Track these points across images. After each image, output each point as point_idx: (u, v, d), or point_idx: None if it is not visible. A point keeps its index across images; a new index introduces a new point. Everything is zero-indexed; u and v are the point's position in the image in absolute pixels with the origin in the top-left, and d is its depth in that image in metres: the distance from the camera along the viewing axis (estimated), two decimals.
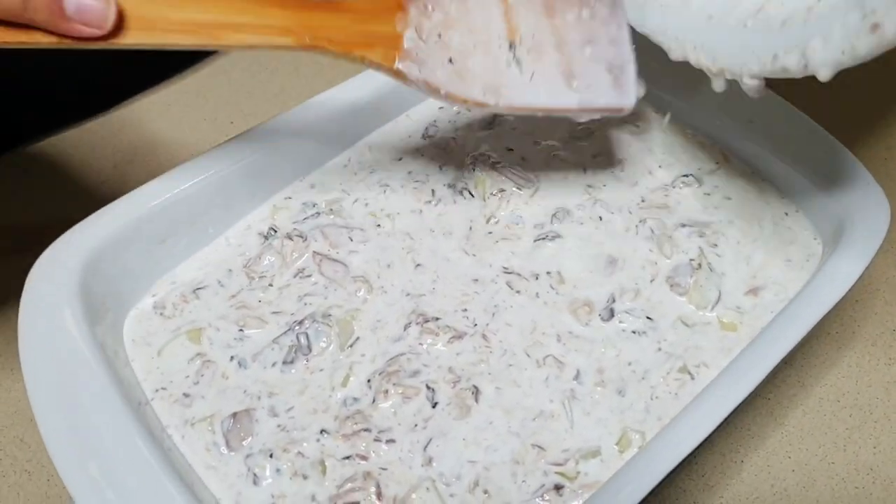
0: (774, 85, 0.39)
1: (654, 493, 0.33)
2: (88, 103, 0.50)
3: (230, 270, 0.35)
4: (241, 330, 0.33)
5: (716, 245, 0.36)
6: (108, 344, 0.31)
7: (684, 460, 0.32)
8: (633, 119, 0.41)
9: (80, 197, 0.46)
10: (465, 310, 0.34)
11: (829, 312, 0.38)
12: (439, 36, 0.33)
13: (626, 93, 0.34)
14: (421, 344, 0.33)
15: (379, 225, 0.37)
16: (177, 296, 0.34)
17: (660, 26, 0.34)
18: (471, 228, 0.36)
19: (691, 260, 0.35)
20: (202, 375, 0.32)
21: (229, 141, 0.37)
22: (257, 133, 0.37)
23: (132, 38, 0.29)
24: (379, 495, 0.29)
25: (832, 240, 0.35)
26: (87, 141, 0.49)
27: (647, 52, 0.34)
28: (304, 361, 0.32)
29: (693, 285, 0.34)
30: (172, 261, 0.35)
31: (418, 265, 0.35)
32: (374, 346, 0.33)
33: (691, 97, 0.40)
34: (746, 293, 0.34)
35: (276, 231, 0.37)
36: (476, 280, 0.35)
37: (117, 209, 0.33)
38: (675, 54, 0.33)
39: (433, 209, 0.37)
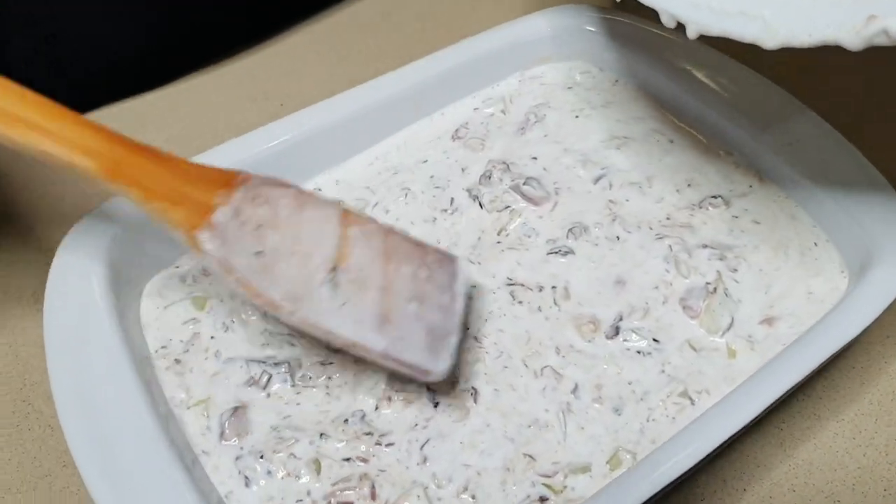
0: (821, 110, 0.38)
1: None
2: (146, 75, 0.52)
3: None
4: (232, 321, 0.34)
5: (736, 270, 0.35)
6: (127, 307, 0.33)
7: (677, 483, 0.32)
8: (668, 133, 0.41)
9: None
10: None
11: (850, 348, 0.37)
12: (258, 228, 0.31)
13: (439, 359, 0.31)
14: None
15: None
16: (199, 270, 0.36)
17: None
18: (479, 239, 0.37)
19: (707, 283, 0.34)
20: (192, 345, 0.33)
21: (266, 126, 0.38)
22: (293, 120, 0.38)
23: None
24: (373, 496, 0.29)
25: (859, 275, 0.34)
26: (141, 113, 0.51)
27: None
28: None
29: (705, 308, 0.34)
30: None
31: None
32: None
33: (729, 117, 0.39)
34: (761, 322, 0.34)
35: None
36: (474, 286, 0.35)
37: None
38: (692, 24, 0.30)
39: (448, 218, 0.37)
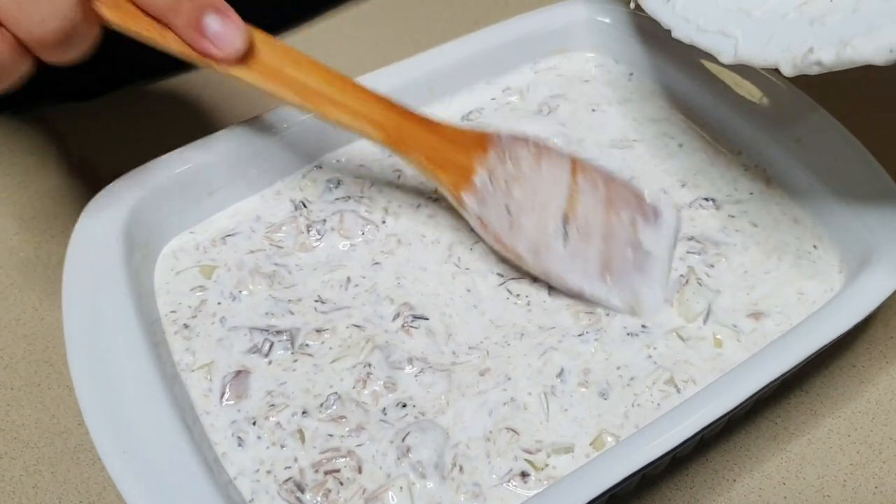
0: (830, 107, 0.38)
1: (636, 497, 0.34)
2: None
3: (253, 231, 0.38)
4: (239, 291, 0.35)
5: (712, 266, 0.35)
6: (142, 271, 0.35)
7: (665, 468, 0.33)
8: (678, 136, 0.41)
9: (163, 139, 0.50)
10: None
11: (848, 339, 0.37)
12: (506, 184, 0.35)
13: (638, 308, 0.34)
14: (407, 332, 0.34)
15: (384, 222, 0.38)
16: (208, 240, 0.37)
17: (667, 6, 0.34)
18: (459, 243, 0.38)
19: (681, 276, 0.35)
20: (199, 311, 0.35)
21: (275, 109, 0.39)
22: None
23: (248, 77, 0.32)
24: (360, 470, 0.30)
25: (855, 274, 0.34)
26: (173, 90, 0.52)
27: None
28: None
29: (679, 298, 0.34)
30: (213, 209, 0.38)
31: (399, 278, 0.36)
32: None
33: (737, 112, 0.39)
34: (748, 315, 0.34)
35: (305, 206, 0.39)
36: (469, 288, 0.36)
37: (165, 162, 0.37)
38: (680, 33, 0.34)
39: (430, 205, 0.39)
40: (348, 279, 0.36)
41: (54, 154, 0.49)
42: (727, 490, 0.35)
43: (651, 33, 0.42)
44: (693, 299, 0.34)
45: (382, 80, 0.41)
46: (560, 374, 0.32)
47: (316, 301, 0.35)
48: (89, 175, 0.47)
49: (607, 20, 0.44)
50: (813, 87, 0.39)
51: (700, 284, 0.35)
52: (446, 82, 0.43)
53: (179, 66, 0.53)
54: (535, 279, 0.36)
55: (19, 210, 0.45)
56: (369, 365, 0.33)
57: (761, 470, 0.35)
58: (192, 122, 0.51)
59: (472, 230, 0.37)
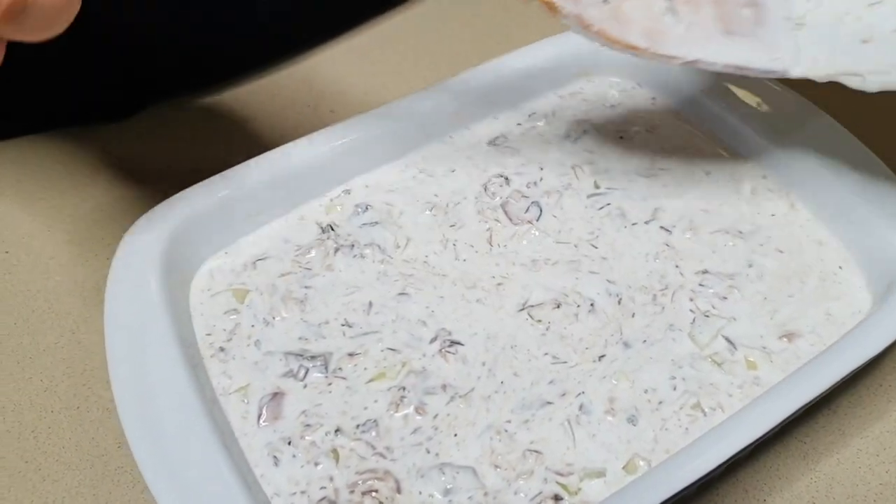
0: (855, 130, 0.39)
1: None
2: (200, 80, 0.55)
3: (283, 254, 0.39)
4: (272, 317, 0.36)
5: (725, 298, 0.36)
6: (179, 293, 0.36)
7: (693, 489, 0.33)
8: (704, 165, 0.41)
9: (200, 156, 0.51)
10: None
11: (877, 365, 0.38)
12: None
13: (781, 59, 0.33)
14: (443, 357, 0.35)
15: (398, 246, 0.39)
16: (240, 264, 0.38)
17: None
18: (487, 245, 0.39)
19: (691, 311, 0.36)
20: (234, 334, 0.35)
21: (311, 135, 0.40)
22: (334, 130, 0.41)
23: None
24: (398, 489, 0.31)
25: (884, 295, 0.34)
26: (192, 117, 0.53)
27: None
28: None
29: (691, 327, 0.35)
30: (244, 232, 0.39)
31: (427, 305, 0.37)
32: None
33: (761, 135, 0.40)
34: (780, 337, 0.34)
35: (333, 229, 0.39)
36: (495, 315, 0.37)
37: (203, 188, 0.38)
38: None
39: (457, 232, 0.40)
40: (371, 304, 0.37)
41: (88, 176, 0.50)
42: None
43: None
44: (704, 329, 0.35)
45: (410, 106, 0.42)
46: (584, 405, 0.33)
47: (342, 325, 0.36)
48: (124, 198, 0.48)
49: None
50: (837, 109, 0.40)
51: (707, 317, 0.35)
52: (473, 108, 0.43)
53: (203, 85, 0.54)
54: (557, 305, 0.36)
55: (55, 234, 0.47)
56: (403, 388, 0.33)
57: (791, 490, 0.35)
58: (220, 142, 0.52)
59: (498, 264, 0.37)
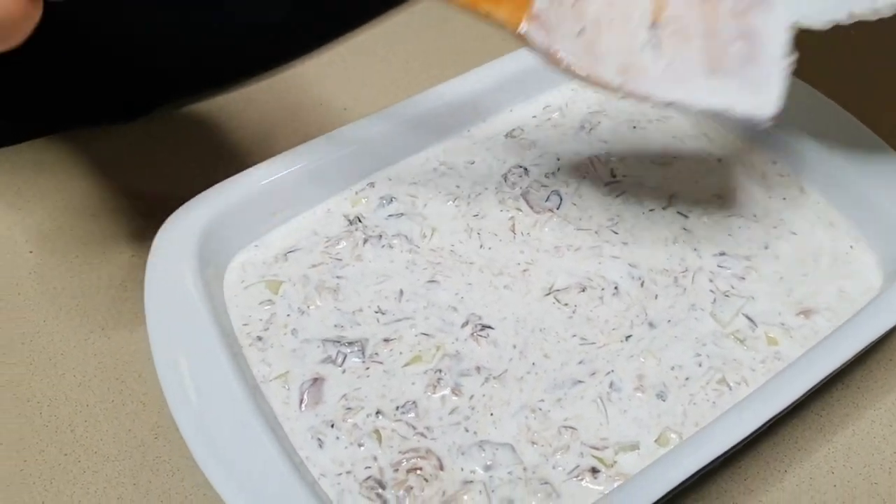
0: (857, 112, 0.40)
1: (694, 490, 0.36)
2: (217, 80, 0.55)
3: (312, 246, 0.40)
4: (307, 306, 0.37)
5: (742, 279, 0.37)
6: (214, 286, 0.37)
7: (720, 460, 0.35)
8: (717, 152, 0.43)
9: (202, 164, 0.51)
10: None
11: (887, 340, 0.39)
12: (574, 3, 0.31)
13: (767, 102, 0.31)
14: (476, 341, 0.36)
15: (424, 235, 0.40)
16: (271, 256, 0.39)
17: None
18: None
19: (711, 291, 0.37)
20: (271, 324, 0.36)
21: (331, 132, 0.41)
22: (356, 126, 0.42)
23: None
24: (441, 467, 0.32)
25: (894, 275, 0.36)
26: (210, 116, 0.54)
27: None
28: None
29: (712, 307, 0.37)
30: (273, 226, 0.40)
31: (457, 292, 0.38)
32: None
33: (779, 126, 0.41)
34: (798, 314, 0.36)
35: (360, 220, 0.41)
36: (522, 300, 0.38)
37: (234, 182, 0.39)
38: None
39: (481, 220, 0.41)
40: (402, 291, 0.38)
41: (106, 177, 0.50)
42: (779, 480, 0.36)
43: None
44: (724, 306, 0.36)
45: (431, 101, 0.43)
46: (614, 383, 0.34)
47: (376, 312, 0.37)
48: (142, 198, 0.49)
49: None
50: (843, 96, 0.41)
51: (727, 297, 0.37)
52: (490, 101, 0.45)
53: (210, 88, 0.55)
54: (582, 289, 0.38)
55: (77, 233, 0.47)
56: (439, 371, 0.35)
57: (810, 461, 0.37)
58: (233, 143, 0.53)
59: (522, 251, 0.39)
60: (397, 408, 0.34)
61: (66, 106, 0.52)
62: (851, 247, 0.38)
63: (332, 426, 0.33)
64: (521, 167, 0.42)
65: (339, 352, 0.35)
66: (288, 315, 0.37)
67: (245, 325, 0.37)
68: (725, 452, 0.30)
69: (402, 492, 0.31)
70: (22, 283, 0.45)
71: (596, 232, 0.40)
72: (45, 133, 0.52)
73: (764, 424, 0.31)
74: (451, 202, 0.41)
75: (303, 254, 0.39)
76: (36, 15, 0.26)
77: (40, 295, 0.44)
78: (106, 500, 0.37)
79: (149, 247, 0.42)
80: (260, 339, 0.36)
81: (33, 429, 0.39)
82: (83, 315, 0.43)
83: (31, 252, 0.46)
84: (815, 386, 0.32)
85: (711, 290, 0.37)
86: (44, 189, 0.49)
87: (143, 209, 0.48)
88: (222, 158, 0.51)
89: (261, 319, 0.37)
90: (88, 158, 0.51)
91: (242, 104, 0.55)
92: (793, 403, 0.31)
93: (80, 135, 0.52)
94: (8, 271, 0.45)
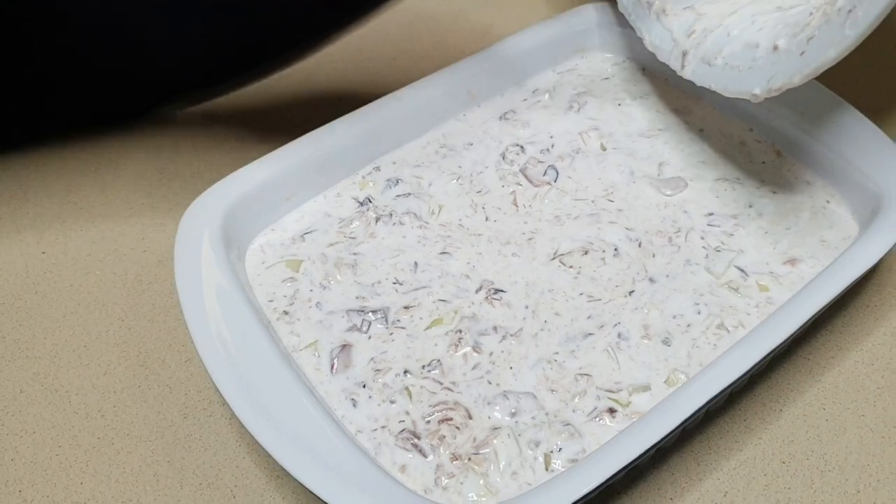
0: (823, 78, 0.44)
1: (700, 431, 0.38)
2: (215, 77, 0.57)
3: (327, 227, 0.42)
4: (328, 281, 0.39)
5: (731, 235, 0.40)
6: (237, 266, 0.39)
7: (723, 399, 0.37)
8: (697, 123, 0.46)
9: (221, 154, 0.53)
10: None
11: (861, 283, 0.42)
12: None
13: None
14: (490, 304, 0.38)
15: (433, 212, 0.42)
16: (288, 238, 0.41)
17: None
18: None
19: (703, 248, 0.40)
20: (295, 299, 0.39)
21: (335, 121, 0.44)
22: (355, 116, 0.44)
23: None
24: (469, 415, 0.34)
25: (869, 220, 0.39)
26: (211, 113, 0.56)
27: None
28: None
29: (706, 261, 0.40)
30: (287, 210, 0.43)
31: (468, 261, 0.41)
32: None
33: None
34: (784, 263, 0.39)
35: (371, 201, 0.43)
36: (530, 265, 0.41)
37: (252, 170, 0.41)
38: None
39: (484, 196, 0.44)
40: (416, 264, 0.40)
41: (111, 178, 0.52)
42: (776, 419, 0.39)
43: None
44: (716, 260, 0.39)
45: (429, 88, 0.45)
46: (622, 333, 0.37)
47: (394, 283, 0.39)
48: (149, 196, 0.51)
49: (617, 22, 0.50)
50: None
51: (718, 252, 0.40)
52: (483, 87, 0.47)
53: (206, 88, 0.56)
54: (585, 252, 0.40)
55: (88, 232, 0.49)
56: (460, 331, 0.37)
57: (803, 399, 0.40)
58: (239, 136, 0.54)
59: (525, 222, 0.41)
60: (423, 367, 0.36)
61: (68, 108, 0.53)
62: (828, 201, 0.42)
63: (364, 387, 0.35)
64: (517, 146, 0.45)
65: (363, 320, 0.37)
66: (311, 290, 0.39)
67: (270, 301, 0.38)
68: (729, 386, 0.33)
69: (435, 440, 0.33)
70: (38, 283, 0.46)
71: (592, 201, 0.43)
72: (52, 134, 0.53)
73: (762, 359, 0.34)
74: (454, 181, 0.44)
75: (319, 234, 0.41)
76: None
77: (57, 292, 0.46)
78: (143, 478, 0.38)
79: (158, 243, 0.44)
80: (286, 313, 0.38)
81: (65, 416, 0.40)
82: (101, 308, 0.45)
83: (43, 253, 0.48)
84: (805, 323, 0.35)
85: (704, 247, 0.40)
86: (51, 190, 0.51)
87: (150, 207, 0.50)
88: (229, 153, 0.53)
89: (285, 296, 0.39)
90: (94, 161, 0.53)
91: (244, 100, 0.56)
92: (787, 339, 0.34)
93: (83, 134, 0.54)
94: (23, 272, 0.47)
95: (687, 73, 0.42)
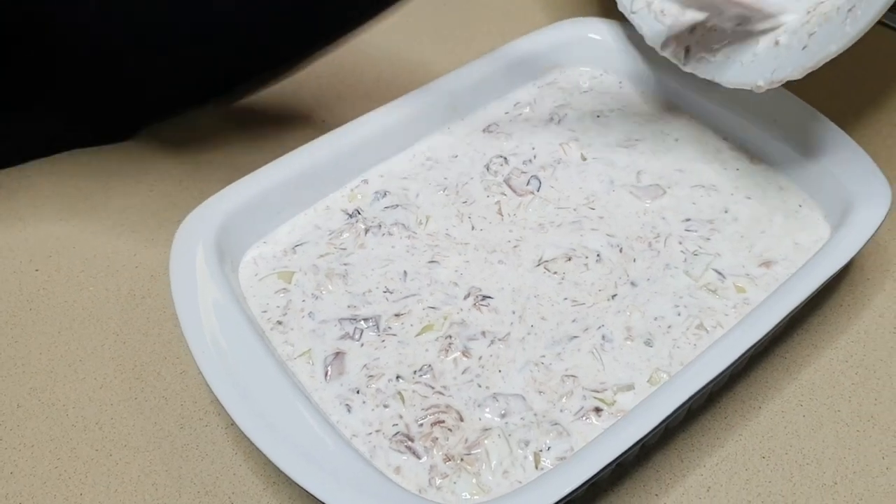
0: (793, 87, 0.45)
1: (682, 429, 0.40)
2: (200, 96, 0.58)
3: (319, 239, 0.43)
4: (320, 292, 0.40)
5: (708, 239, 0.42)
6: (231, 279, 0.40)
7: (704, 397, 0.39)
8: (674, 133, 0.48)
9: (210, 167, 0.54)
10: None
11: (834, 283, 0.44)
12: None
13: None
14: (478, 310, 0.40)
15: (420, 223, 0.44)
16: (280, 250, 0.42)
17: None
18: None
19: (682, 252, 0.42)
20: (288, 309, 0.40)
21: (324, 135, 0.45)
22: (343, 131, 0.45)
23: None
24: (461, 417, 0.36)
25: (839, 223, 0.41)
26: (194, 131, 0.57)
27: None
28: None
29: (685, 265, 0.41)
30: (277, 224, 0.44)
31: (456, 269, 0.42)
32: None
33: (718, 104, 0.47)
34: (760, 265, 0.41)
35: (360, 213, 0.44)
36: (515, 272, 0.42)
37: (244, 184, 0.42)
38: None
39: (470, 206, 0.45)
40: (405, 272, 0.41)
41: (102, 196, 0.52)
42: (755, 416, 0.41)
43: (635, 46, 0.50)
44: (695, 264, 0.41)
45: (413, 102, 0.47)
46: (606, 335, 0.38)
47: (384, 292, 0.40)
48: (140, 213, 0.51)
49: (595, 37, 0.51)
50: None
51: (695, 255, 0.41)
52: (466, 101, 0.49)
53: (199, 101, 0.57)
54: (568, 258, 0.42)
55: (81, 250, 0.49)
56: (449, 336, 0.38)
57: (781, 396, 0.41)
58: (225, 152, 0.55)
59: (510, 230, 0.43)
60: (415, 372, 0.37)
61: (56, 127, 0.53)
62: (800, 205, 0.43)
63: (358, 392, 0.36)
64: (501, 157, 0.47)
65: (355, 328, 0.39)
66: (303, 301, 0.40)
67: (264, 311, 0.39)
68: (709, 383, 0.34)
69: (429, 442, 0.34)
70: (32, 300, 0.47)
71: (574, 209, 0.44)
72: (42, 155, 0.54)
73: (740, 357, 0.35)
74: (440, 192, 0.45)
75: (310, 246, 0.42)
76: None
77: (51, 309, 0.46)
78: (142, 487, 0.39)
79: (150, 258, 0.45)
80: (280, 323, 0.39)
81: (62, 429, 0.41)
82: (96, 323, 0.46)
83: (37, 270, 0.48)
84: (781, 322, 0.36)
85: (682, 252, 0.42)
86: (41, 210, 0.52)
87: (141, 223, 0.51)
88: (219, 169, 0.54)
89: (278, 306, 0.40)
90: (85, 180, 0.54)
91: (228, 119, 0.57)
92: (763, 337, 0.36)
93: (72, 155, 0.54)
94: (17, 289, 0.47)
95: (689, 67, 0.45)
